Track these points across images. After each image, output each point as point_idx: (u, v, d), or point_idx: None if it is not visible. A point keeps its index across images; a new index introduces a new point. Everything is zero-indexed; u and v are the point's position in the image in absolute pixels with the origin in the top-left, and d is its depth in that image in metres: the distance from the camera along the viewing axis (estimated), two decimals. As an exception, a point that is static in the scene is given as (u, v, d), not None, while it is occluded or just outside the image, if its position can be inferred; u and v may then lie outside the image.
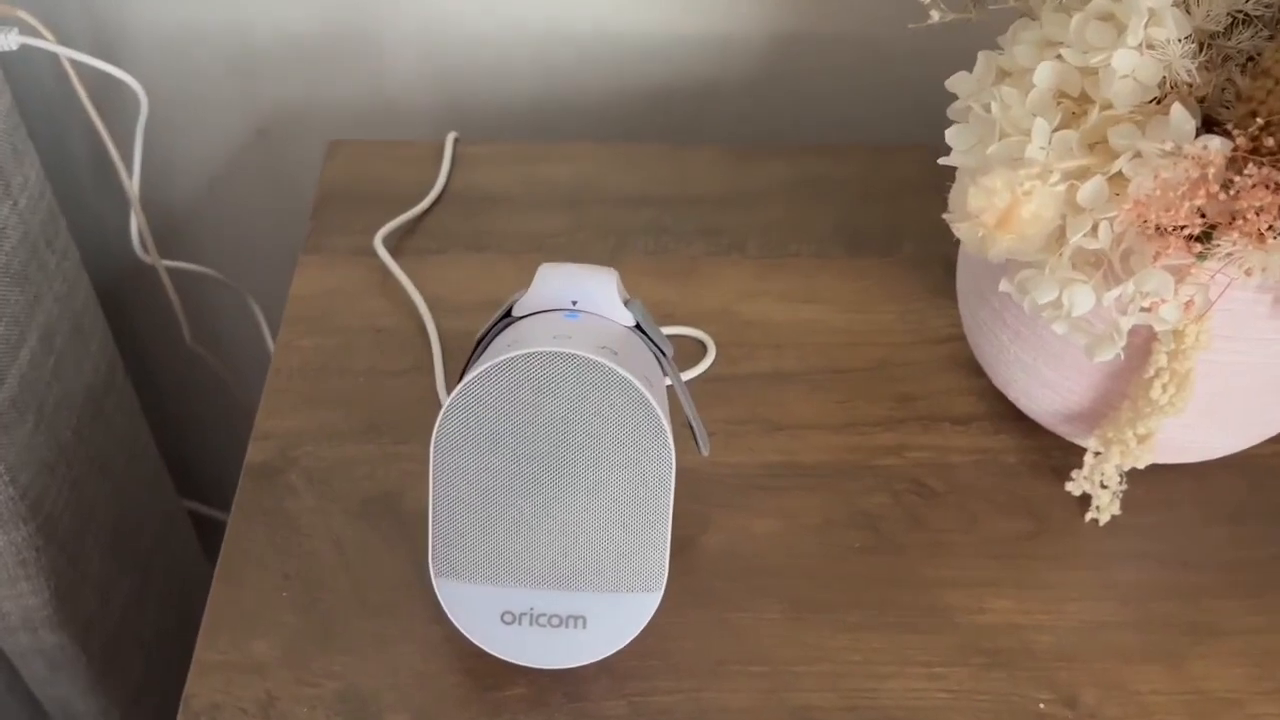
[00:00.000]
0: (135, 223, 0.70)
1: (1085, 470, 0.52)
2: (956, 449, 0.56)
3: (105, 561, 0.85)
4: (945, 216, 0.45)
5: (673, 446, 0.43)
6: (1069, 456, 0.55)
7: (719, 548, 0.52)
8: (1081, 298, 0.43)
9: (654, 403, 0.42)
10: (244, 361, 0.87)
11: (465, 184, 0.69)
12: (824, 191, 0.69)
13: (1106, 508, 0.53)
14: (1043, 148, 0.43)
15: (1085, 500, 0.54)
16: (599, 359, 0.42)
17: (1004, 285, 0.48)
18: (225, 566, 0.50)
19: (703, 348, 0.60)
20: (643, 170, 0.70)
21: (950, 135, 0.47)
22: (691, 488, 0.53)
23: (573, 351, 0.42)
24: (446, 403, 0.43)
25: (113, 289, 0.79)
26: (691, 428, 0.50)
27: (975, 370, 0.59)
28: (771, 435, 0.56)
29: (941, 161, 0.47)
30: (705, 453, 0.50)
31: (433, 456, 0.43)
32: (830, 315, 0.62)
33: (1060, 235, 0.43)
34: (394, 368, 0.59)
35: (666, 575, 0.44)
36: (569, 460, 0.42)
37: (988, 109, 0.45)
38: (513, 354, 0.42)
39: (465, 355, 0.58)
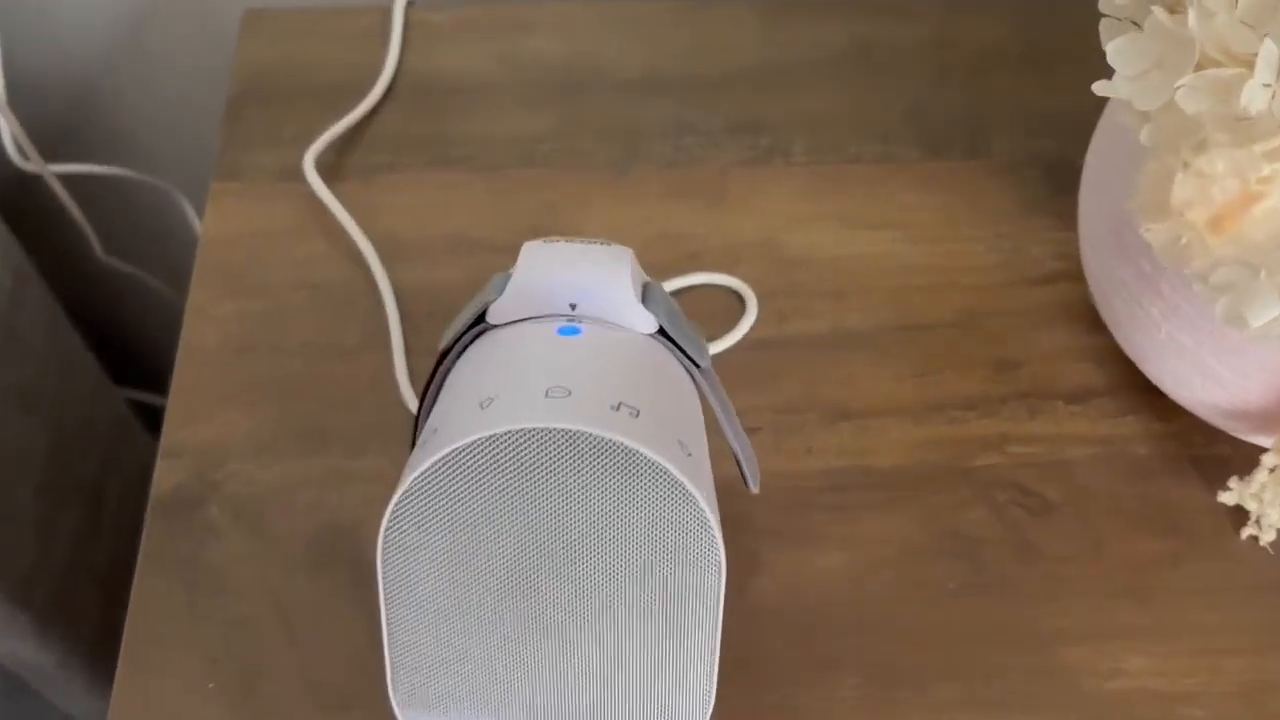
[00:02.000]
0: (4, 127, 0.55)
1: (1254, 486, 0.40)
2: (1073, 438, 0.43)
3: (41, 500, 0.74)
4: (1131, 207, 0.30)
5: (722, 550, 0.30)
6: (1214, 444, 0.43)
7: (772, 597, 0.40)
8: (1314, 314, 0.30)
9: (694, 491, 0.29)
10: (178, 265, 0.73)
11: (422, 69, 0.53)
12: (887, 63, 0.54)
13: (1273, 525, 0.41)
14: (1269, 85, 0.28)
15: (1240, 509, 0.41)
16: (612, 436, 0.28)
17: (1168, 265, 0.34)
18: (131, 646, 0.39)
19: (739, 301, 0.47)
20: (653, 39, 0.54)
21: (1112, 51, 0.32)
22: (732, 510, 0.41)
23: (573, 428, 0.28)
24: (393, 500, 0.30)
25: (3, 205, 0.64)
26: (737, 459, 0.37)
27: (1090, 322, 0.45)
28: (834, 428, 0.43)
29: (1100, 91, 0.33)
30: (754, 490, 0.37)
31: (380, 571, 0.30)
32: (902, 246, 0.48)
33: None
34: (339, 342, 0.45)
35: (713, 703, 0.32)
36: (569, 570, 0.30)
37: (1174, 12, 0.30)
38: (481, 433, 0.28)
39: (429, 321, 0.44)
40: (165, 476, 0.42)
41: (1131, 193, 0.30)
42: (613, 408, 0.30)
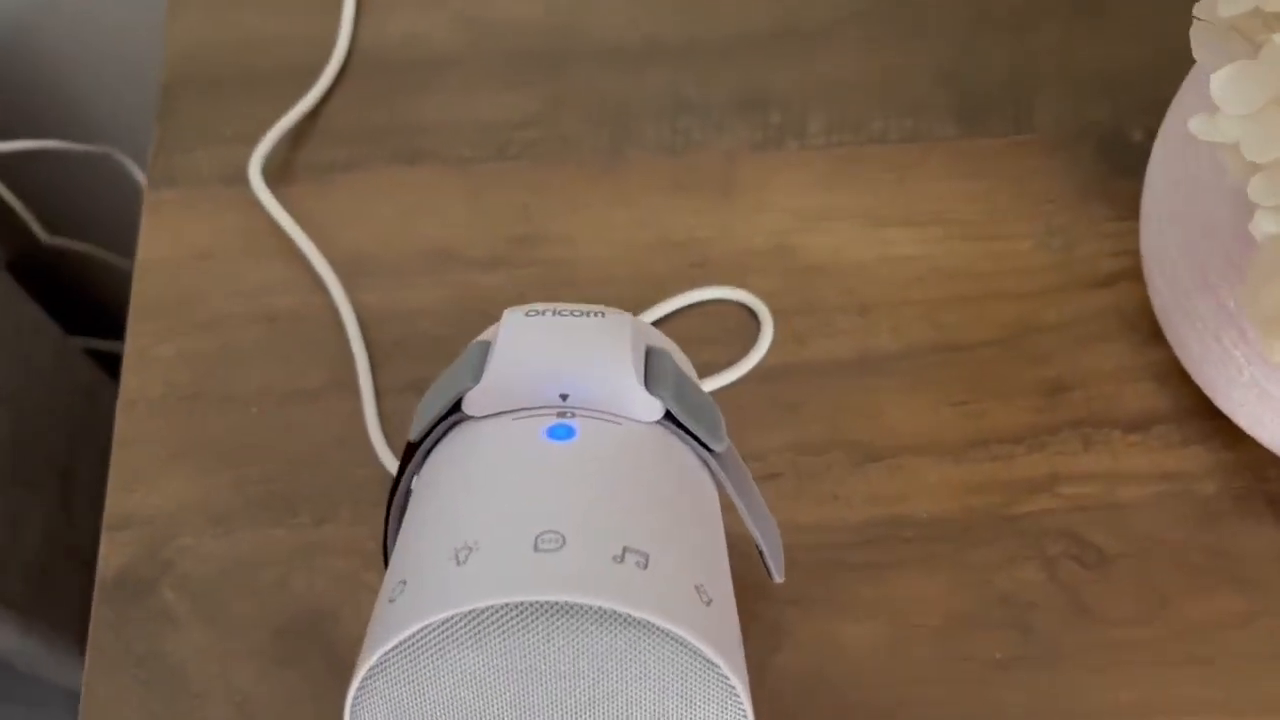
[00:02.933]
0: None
1: (1342, 541, 0.35)
2: (1131, 476, 0.38)
3: (11, 488, 0.70)
4: (1240, 302, 0.25)
5: (749, 710, 0.25)
6: (1293, 475, 0.38)
7: (799, 674, 0.36)
8: None
9: (719, 661, 0.24)
10: (129, 230, 0.67)
11: (378, 42, 0.46)
12: (915, 20, 0.47)
13: (1358, 576, 0.36)
14: None
15: (1321, 556, 0.37)
16: (617, 606, 0.23)
17: None
18: (83, 761, 0.35)
19: (751, 317, 0.41)
20: (647, 4, 0.47)
21: (1218, 84, 0.26)
22: (752, 577, 0.36)
23: (570, 600, 0.23)
24: (356, 680, 0.25)
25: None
26: (760, 550, 0.32)
27: (1150, 331, 0.40)
28: (863, 471, 0.39)
29: (1198, 131, 0.27)
30: (778, 580, 0.33)
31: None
32: (937, 247, 0.42)
33: None
34: (300, 386, 0.40)
35: None
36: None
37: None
38: (465, 606, 0.24)
39: (400, 352, 0.40)
40: (111, 554, 0.37)
41: (1241, 285, 0.24)
42: (615, 558, 0.25)
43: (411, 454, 0.30)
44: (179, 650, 0.36)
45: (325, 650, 0.36)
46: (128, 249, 0.63)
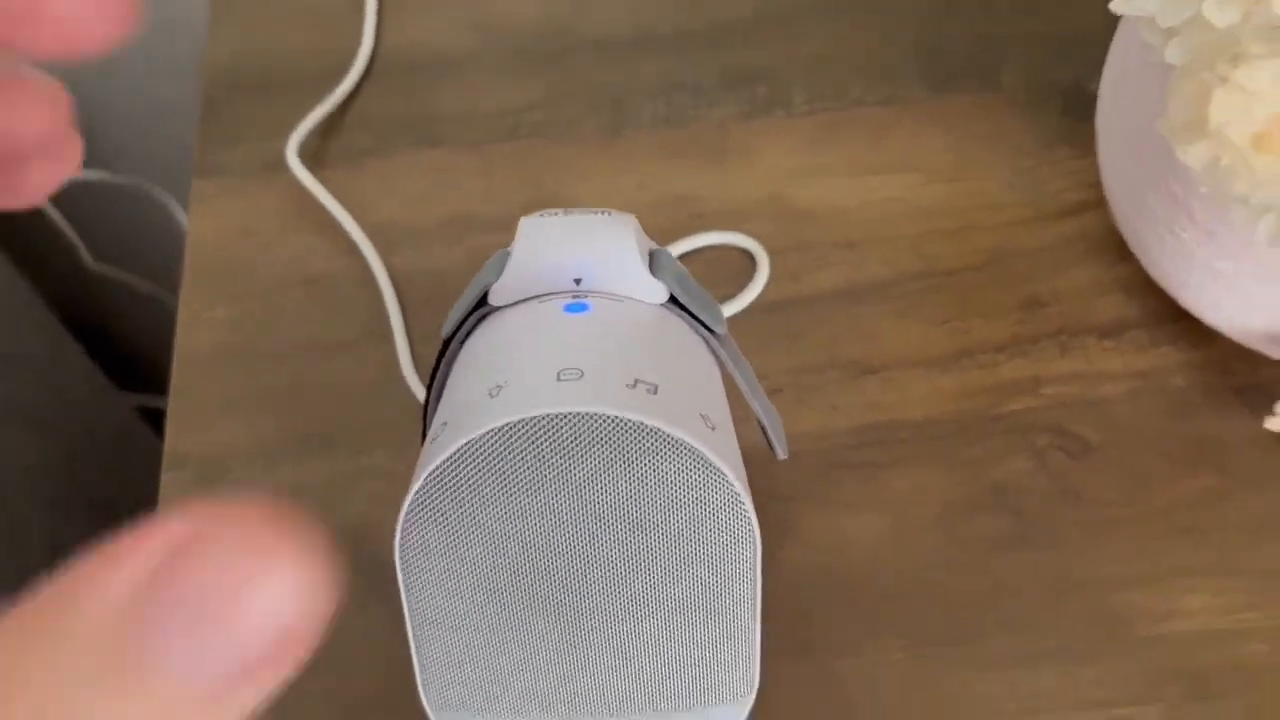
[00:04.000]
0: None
1: (1303, 409, 0.38)
2: (1108, 375, 0.42)
3: (51, 517, 0.73)
4: (1161, 129, 0.28)
5: (754, 521, 0.28)
6: (1257, 370, 0.41)
7: (807, 565, 0.38)
8: (1369, 226, 0.28)
9: (721, 465, 0.27)
10: (168, 265, 0.71)
11: (398, 45, 0.51)
12: (884, 4, 0.51)
13: (1325, 448, 0.39)
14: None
15: (1290, 435, 0.40)
16: (631, 415, 0.27)
17: (1209, 188, 0.32)
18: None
19: (749, 261, 0.45)
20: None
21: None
22: (758, 477, 0.39)
23: (589, 410, 0.27)
24: (406, 501, 0.28)
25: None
26: (762, 426, 0.35)
27: (1117, 251, 0.43)
28: (858, 384, 0.42)
29: (1118, 9, 0.30)
30: (782, 456, 0.36)
31: (400, 572, 0.29)
32: (916, 190, 0.46)
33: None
34: (338, 338, 0.44)
35: (759, 676, 0.31)
36: (599, 560, 0.28)
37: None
38: (493, 423, 0.27)
39: (430, 307, 0.43)
40: (170, 488, 0.41)
41: (1162, 115, 0.28)
42: (628, 385, 0.28)
43: (445, 348, 0.33)
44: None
45: (368, 563, 0.39)
46: (167, 280, 0.68)
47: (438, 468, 0.27)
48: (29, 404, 0.70)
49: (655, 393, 0.28)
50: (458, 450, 0.27)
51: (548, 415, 0.27)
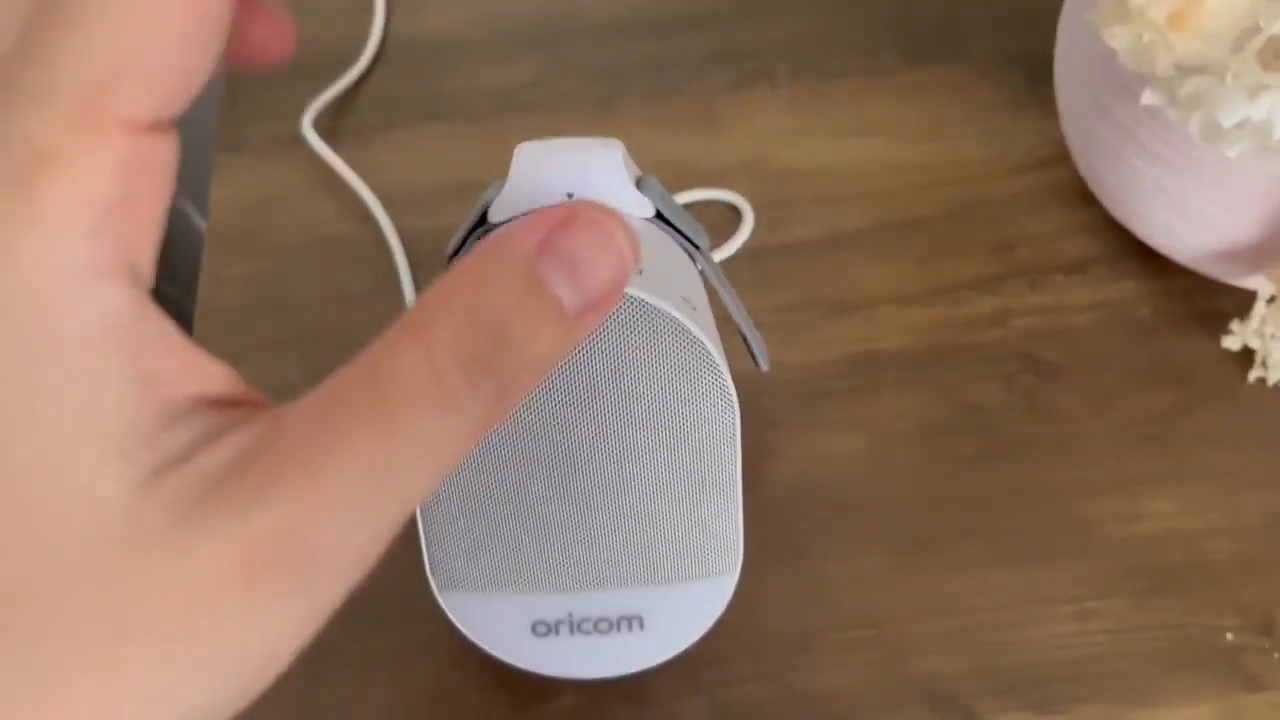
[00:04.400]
0: None
1: (1254, 322, 0.40)
2: (1074, 306, 0.44)
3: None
4: (1090, 17, 0.31)
5: (733, 392, 0.31)
6: (1215, 298, 0.44)
7: (793, 480, 0.41)
8: (1285, 110, 0.30)
9: (701, 336, 0.30)
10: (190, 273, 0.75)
11: (408, 32, 0.55)
12: (859, -14, 0.55)
13: (1279, 364, 0.41)
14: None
15: (1246, 356, 0.42)
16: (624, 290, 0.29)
17: (1150, 98, 0.35)
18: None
19: (735, 214, 0.48)
20: (630, -13, 0.56)
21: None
22: (744, 403, 0.41)
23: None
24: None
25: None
26: (744, 337, 0.38)
27: (1081, 198, 0.46)
28: (838, 319, 0.44)
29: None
30: (765, 367, 0.38)
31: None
32: (892, 149, 0.49)
33: (1250, 32, 0.30)
34: (351, 290, 0.47)
35: (742, 551, 0.33)
36: (591, 427, 0.31)
37: None
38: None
39: (437, 261, 0.46)
40: (194, 426, 0.43)
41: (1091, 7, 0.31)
42: (614, 266, 0.31)
43: (450, 263, 0.36)
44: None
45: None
46: (189, 290, 0.71)
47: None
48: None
49: (640, 275, 0.31)
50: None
51: (538, 286, 0.29)
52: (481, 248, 0.18)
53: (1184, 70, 0.31)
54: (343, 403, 0.17)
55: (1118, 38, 0.29)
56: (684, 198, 0.48)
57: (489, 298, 0.17)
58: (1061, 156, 0.48)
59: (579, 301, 0.18)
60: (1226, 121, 0.30)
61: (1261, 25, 0.29)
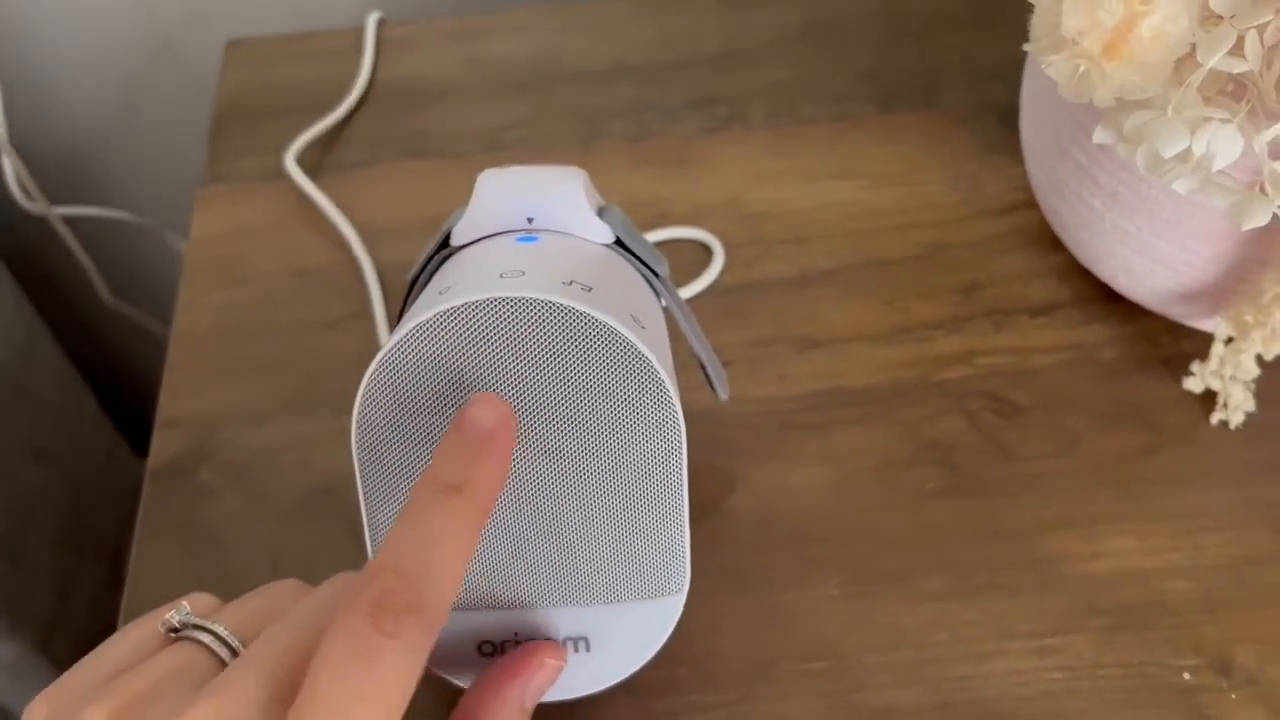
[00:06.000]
0: (8, 166, 0.58)
1: (1213, 363, 0.41)
2: (1039, 348, 0.44)
3: (60, 555, 0.75)
4: (1028, 49, 0.32)
5: (679, 408, 0.31)
6: (1180, 342, 0.44)
7: (753, 511, 0.41)
8: (1226, 143, 0.31)
9: (646, 351, 0.30)
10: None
11: (394, 76, 0.56)
12: (840, 36, 0.56)
13: (1239, 405, 0.41)
14: (1156, -68, 0.30)
15: (1209, 398, 0.42)
16: (563, 300, 0.30)
17: (1100, 135, 0.35)
18: (130, 604, 0.40)
19: (707, 252, 0.48)
20: (613, 35, 0.57)
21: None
22: (709, 436, 0.42)
23: (525, 295, 0.30)
24: (362, 384, 0.31)
25: (8, 250, 0.67)
26: (703, 366, 0.38)
27: (1050, 244, 0.47)
28: (805, 356, 0.45)
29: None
30: (724, 396, 0.38)
31: (355, 453, 0.32)
32: (863, 193, 0.50)
33: (1190, 63, 0.30)
34: (325, 318, 0.47)
35: (689, 572, 0.33)
36: (534, 442, 0.31)
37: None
38: (441, 307, 0.30)
39: (407, 282, 0.46)
40: (161, 447, 0.44)
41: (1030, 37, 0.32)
42: (565, 283, 0.31)
43: (412, 286, 0.37)
44: (216, 517, 0.42)
45: (340, 512, 0.41)
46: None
47: (388, 352, 0.30)
48: (42, 443, 0.74)
49: (589, 291, 0.31)
50: (407, 334, 0.30)
51: (488, 299, 0.30)
52: (490, 699, 0.31)
53: (1127, 103, 0.32)
54: None
55: (1055, 66, 0.30)
56: (656, 235, 0.48)
57: None
58: (1032, 202, 0.48)
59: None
60: (1167, 153, 0.31)
61: (1200, 60, 0.30)
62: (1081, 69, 0.29)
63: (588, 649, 0.33)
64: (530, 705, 0.31)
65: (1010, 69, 0.53)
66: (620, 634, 0.33)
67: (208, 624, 0.29)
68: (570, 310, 0.30)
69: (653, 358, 0.30)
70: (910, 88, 0.53)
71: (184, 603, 0.30)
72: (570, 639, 0.33)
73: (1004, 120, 0.52)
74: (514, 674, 0.31)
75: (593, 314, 0.30)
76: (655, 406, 0.31)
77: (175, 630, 0.29)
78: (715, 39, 0.56)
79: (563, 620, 0.33)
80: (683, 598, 0.33)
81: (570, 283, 0.31)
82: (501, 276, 0.31)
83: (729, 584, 0.39)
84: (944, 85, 0.53)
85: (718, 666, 0.37)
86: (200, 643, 0.29)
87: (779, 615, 0.38)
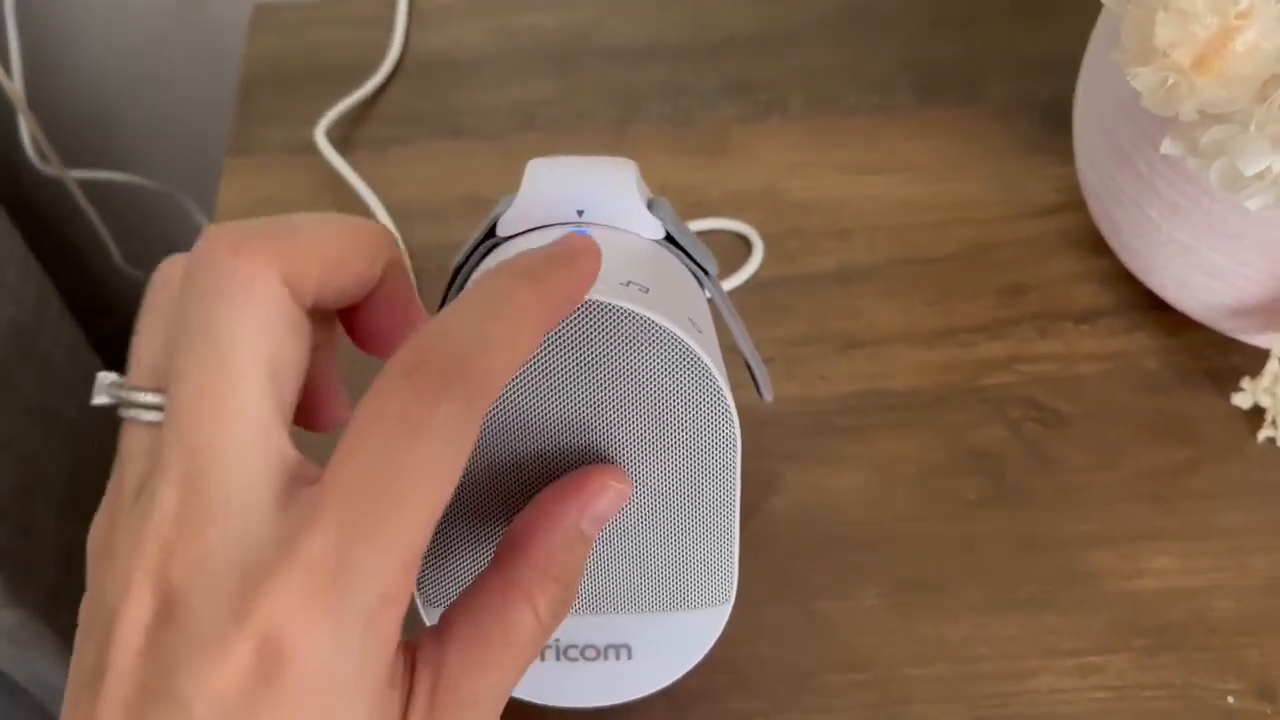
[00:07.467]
0: (25, 127, 0.57)
1: (1265, 380, 0.40)
2: (1084, 355, 0.44)
3: (65, 522, 0.75)
4: (1115, 57, 0.31)
5: (736, 418, 0.30)
6: (1227, 355, 0.43)
7: (792, 514, 0.40)
8: (1308, 163, 0.30)
9: (706, 359, 0.29)
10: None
11: (427, 49, 0.55)
12: (881, 23, 0.55)
13: (1289, 424, 0.41)
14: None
15: (1256, 414, 0.41)
16: (622, 303, 0.29)
17: (1169, 146, 0.34)
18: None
19: (745, 244, 0.47)
20: (650, 12, 0.56)
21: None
22: (749, 435, 0.41)
23: (587, 297, 0.29)
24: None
25: (22, 212, 0.66)
26: (749, 367, 0.37)
27: (1094, 248, 0.46)
28: (846, 356, 0.44)
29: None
30: (768, 398, 0.38)
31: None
32: (903, 187, 0.49)
33: (1276, 81, 0.30)
34: (355, 300, 0.46)
35: (736, 584, 0.32)
36: (590, 447, 0.30)
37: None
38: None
39: (443, 276, 0.45)
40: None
41: (1116, 46, 0.31)
42: (622, 284, 0.30)
43: (455, 275, 0.36)
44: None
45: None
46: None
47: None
48: (48, 408, 0.72)
49: (647, 293, 0.30)
50: (461, 333, 0.29)
51: (549, 302, 0.29)
52: (546, 519, 0.27)
53: (1206, 117, 0.31)
54: (487, 646, 0.24)
55: (1141, 79, 0.29)
56: (695, 226, 0.47)
57: (562, 557, 0.26)
58: (1074, 203, 0.47)
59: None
60: (1249, 170, 0.30)
61: (1290, 76, 0.29)
62: (1170, 82, 0.28)
63: (630, 656, 0.33)
64: (591, 533, 0.27)
65: (1056, 63, 0.52)
66: (663, 643, 0.33)
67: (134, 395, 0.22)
68: (630, 313, 0.29)
69: (712, 365, 0.29)
70: (952, 79, 0.52)
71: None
72: (612, 646, 0.33)
73: (1048, 118, 0.51)
74: (572, 494, 0.27)
75: (653, 318, 0.29)
76: (713, 416, 0.30)
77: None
78: (751, 19, 0.55)
79: (605, 627, 0.32)
80: (728, 609, 0.33)
81: (628, 283, 0.30)
82: (558, 277, 0.30)
83: (767, 589, 0.38)
84: (987, 78, 0.52)
85: (755, 674, 0.37)
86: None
87: (817, 624, 0.38)
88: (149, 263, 0.72)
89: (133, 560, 0.20)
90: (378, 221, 0.24)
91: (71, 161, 0.61)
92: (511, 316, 0.22)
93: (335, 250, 0.23)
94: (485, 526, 0.31)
